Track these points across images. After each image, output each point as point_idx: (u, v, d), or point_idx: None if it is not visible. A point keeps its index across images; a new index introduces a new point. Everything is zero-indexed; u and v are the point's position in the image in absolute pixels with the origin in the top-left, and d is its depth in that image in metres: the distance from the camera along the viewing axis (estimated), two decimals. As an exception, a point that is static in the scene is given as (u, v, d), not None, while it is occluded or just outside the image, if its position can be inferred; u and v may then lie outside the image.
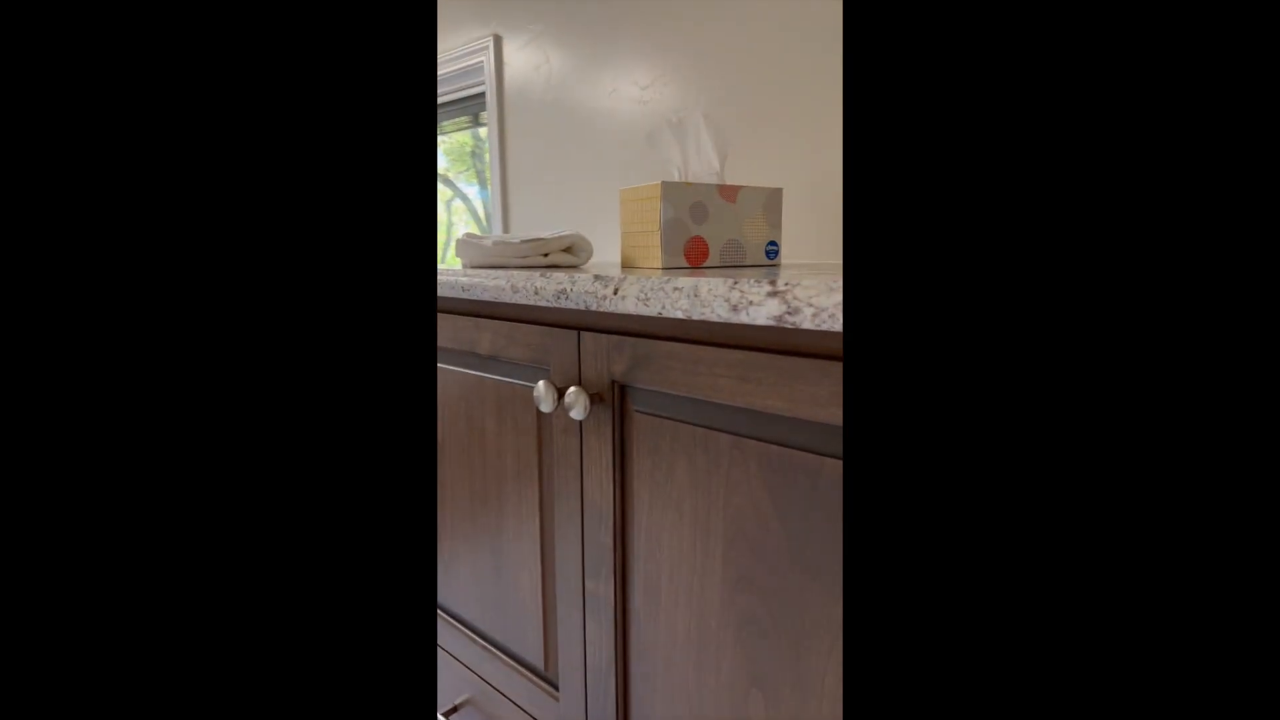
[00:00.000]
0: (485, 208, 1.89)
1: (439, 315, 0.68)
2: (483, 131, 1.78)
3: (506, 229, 1.39)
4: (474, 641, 0.73)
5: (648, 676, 0.53)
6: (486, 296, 0.59)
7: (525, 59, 1.26)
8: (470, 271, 0.62)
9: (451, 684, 0.78)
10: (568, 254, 0.71)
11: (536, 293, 0.54)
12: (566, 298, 0.51)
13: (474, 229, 1.95)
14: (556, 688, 0.63)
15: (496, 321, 0.61)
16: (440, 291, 0.64)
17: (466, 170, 2.01)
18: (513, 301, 0.56)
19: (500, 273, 0.58)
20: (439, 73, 1.49)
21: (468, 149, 1.95)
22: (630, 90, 1.09)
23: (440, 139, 1.96)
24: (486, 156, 1.87)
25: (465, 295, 0.61)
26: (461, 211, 2.03)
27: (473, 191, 1.98)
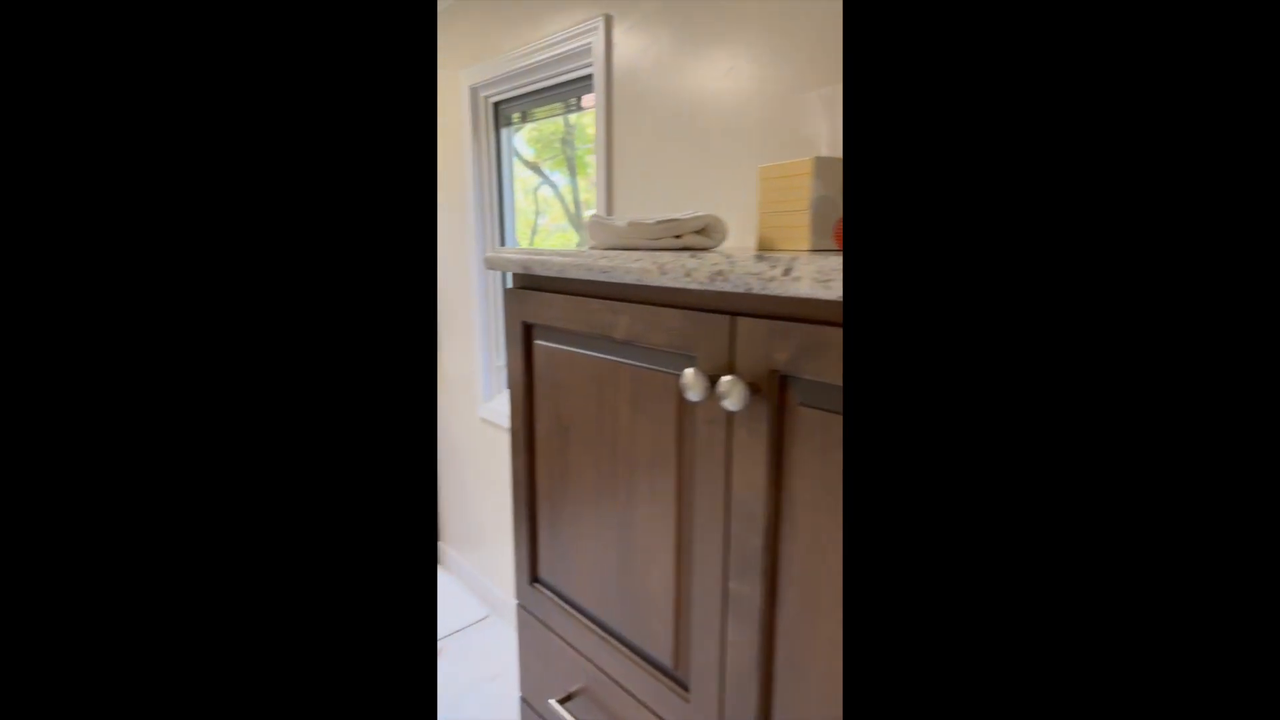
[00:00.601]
0: (575, 195, 1.89)
1: (572, 299, 0.66)
2: (573, 117, 1.77)
3: (610, 214, 1.37)
4: (592, 631, 0.71)
5: (797, 686, 0.50)
6: (629, 279, 0.56)
7: (635, 40, 1.24)
8: (609, 254, 0.60)
9: (566, 671, 0.77)
10: (701, 236, 0.67)
11: (688, 274, 0.51)
12: (724, 280, 0.48)
13: (561, 217, 1.96)
14: (686, 688, 0.61)
15: (635, 305, 0.59)
16: (577, 274, 0.62)
17: (555, 157, 2.01)
18: (660, 284, 0.54)
19: (645, 255, 0.56)
20: (539, 58, 1.49)
21: (558, 136, 1.95)
22: (748, 68, 1.04)
23: (529, 127, 1.97)
24: (577, 143, 1.86)
25: (605, 278, 0.59)
26: (547, 200, 2.04)
27: (560, 179, 1.98)
